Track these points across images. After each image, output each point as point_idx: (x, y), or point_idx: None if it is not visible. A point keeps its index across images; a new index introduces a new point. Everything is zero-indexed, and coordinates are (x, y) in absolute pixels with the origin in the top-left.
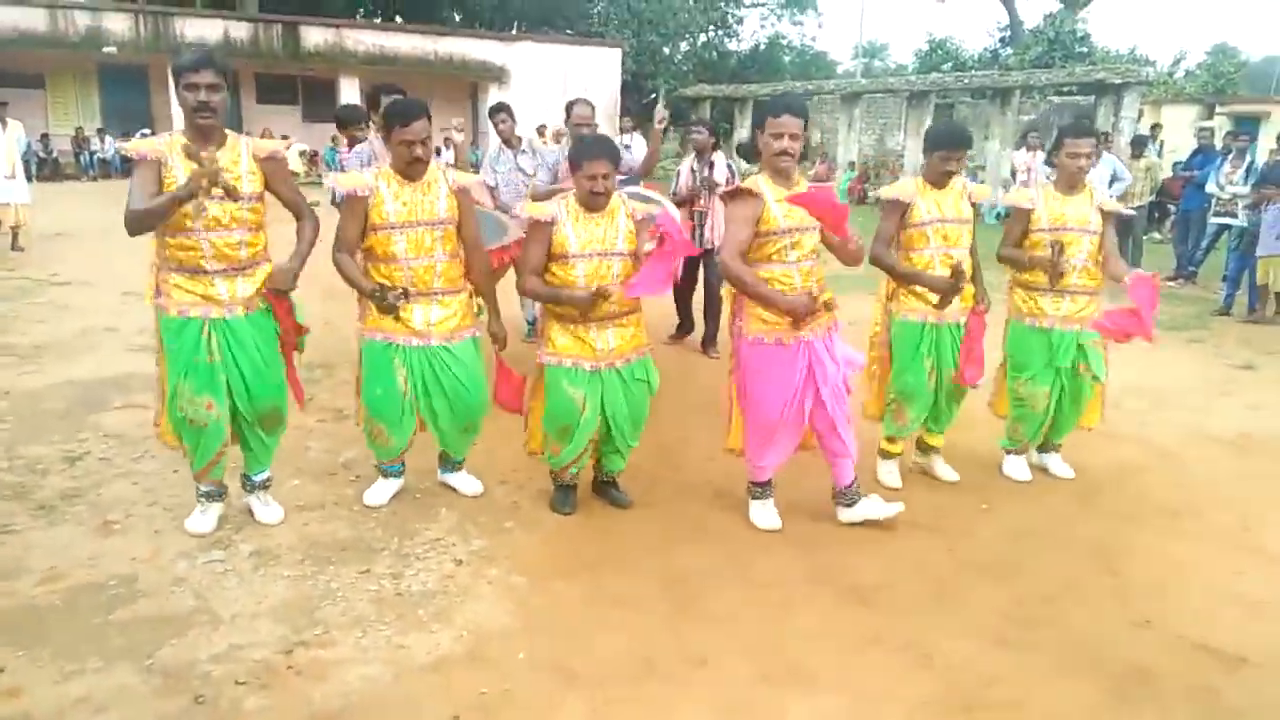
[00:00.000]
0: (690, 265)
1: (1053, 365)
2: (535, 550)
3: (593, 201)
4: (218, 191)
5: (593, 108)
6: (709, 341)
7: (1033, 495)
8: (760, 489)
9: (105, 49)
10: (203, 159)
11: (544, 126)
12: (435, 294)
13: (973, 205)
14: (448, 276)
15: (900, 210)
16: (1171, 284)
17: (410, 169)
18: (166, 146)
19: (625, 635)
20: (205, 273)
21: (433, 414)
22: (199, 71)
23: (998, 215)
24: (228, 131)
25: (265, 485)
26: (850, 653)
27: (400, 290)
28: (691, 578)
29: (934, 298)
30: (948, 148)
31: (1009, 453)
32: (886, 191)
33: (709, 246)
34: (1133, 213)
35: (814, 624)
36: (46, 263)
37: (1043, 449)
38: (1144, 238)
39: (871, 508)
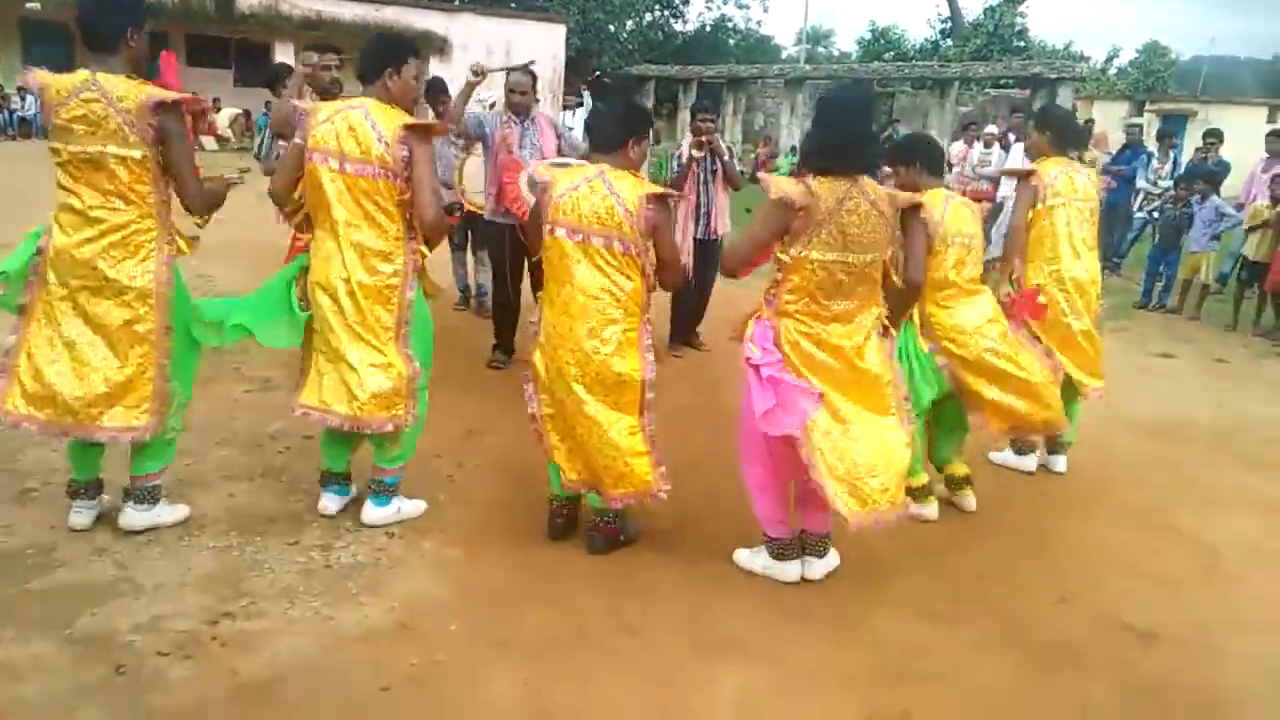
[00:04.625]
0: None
1: None
2: (469, 524)
3: None
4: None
5: (533, 76)
6: (685, 335)
7: None
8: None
9: (28, 4)
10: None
11: (495, 104)
12: None
13: None
14: None
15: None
16: None
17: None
18: None
19: (558, 607)
20: None
21: None
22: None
23: None
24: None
25: None
26: (781, 626)
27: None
28: (626, 552)
29: None
30: None
31: None
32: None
33: (712, 237)
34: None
35: (745, 596)
36: None
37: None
38: None
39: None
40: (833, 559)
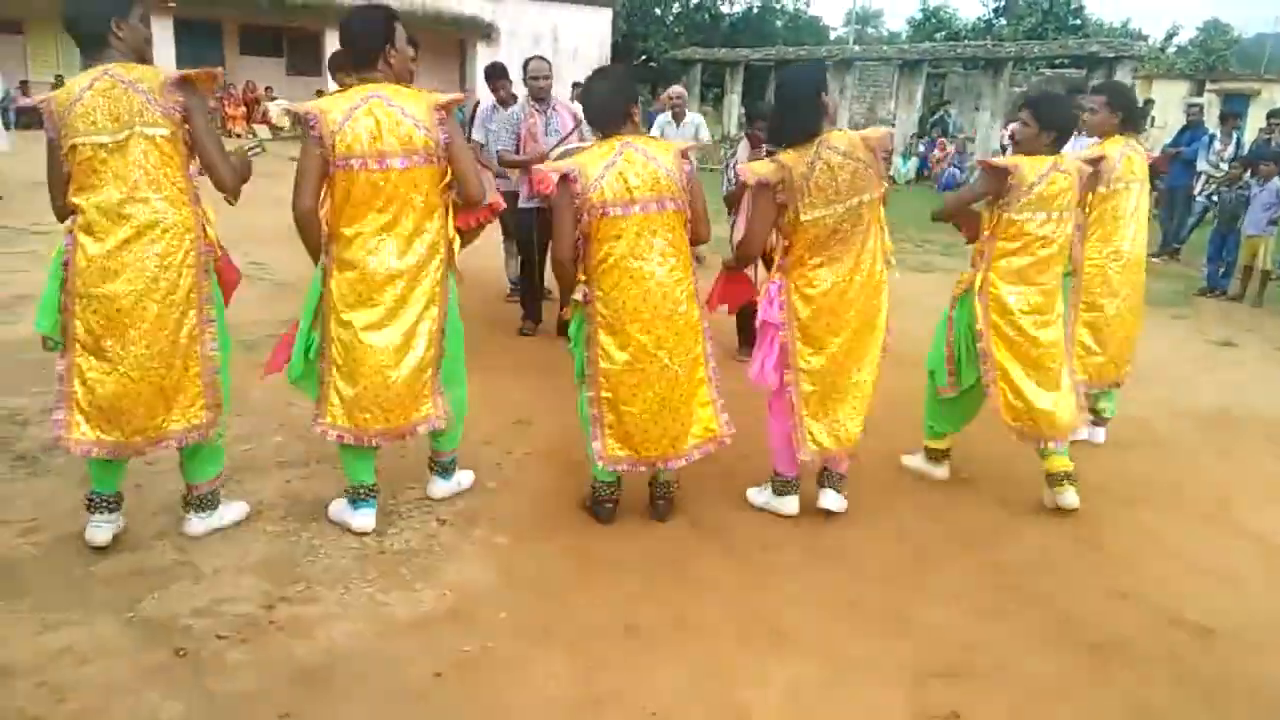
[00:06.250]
0: None
1: None
2: (519, 512)
3: None
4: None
5: (549, 64)
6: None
7: (1011, 468)
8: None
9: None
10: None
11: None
12: None
13: None
14: None
15: None
16: (1155, 260)
17: None
18: None
19: (607, 596)
20: None
21: None
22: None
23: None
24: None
25: None
26: (830, 618)
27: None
28: (675, 542)
29: None
30: None
31: None
32: None
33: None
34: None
35: (794, 588)
36: (27, 212)
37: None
38: None
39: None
40: (844, 500)
